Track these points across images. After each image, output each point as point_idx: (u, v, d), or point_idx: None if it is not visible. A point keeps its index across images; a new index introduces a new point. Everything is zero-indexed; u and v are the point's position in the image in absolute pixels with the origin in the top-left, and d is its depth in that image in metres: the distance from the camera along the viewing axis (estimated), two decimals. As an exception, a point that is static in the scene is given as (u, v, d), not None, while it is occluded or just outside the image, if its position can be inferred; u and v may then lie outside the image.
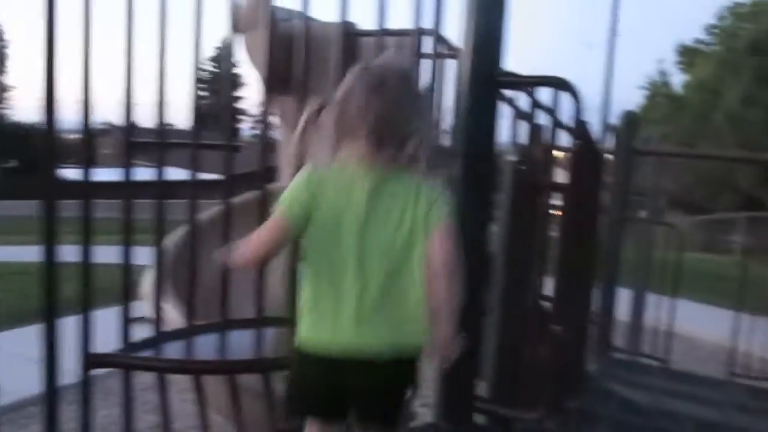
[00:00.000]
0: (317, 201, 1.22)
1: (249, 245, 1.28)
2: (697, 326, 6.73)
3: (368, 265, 1.18)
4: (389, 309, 1.19)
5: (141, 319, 2.02)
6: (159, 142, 1.79)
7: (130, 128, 1.74)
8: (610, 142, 3.70)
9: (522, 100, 3.18)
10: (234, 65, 1.92)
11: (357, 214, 1.19)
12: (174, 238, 2.98)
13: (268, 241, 1.25)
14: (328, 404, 1.28)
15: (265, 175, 2.07)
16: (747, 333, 3.95)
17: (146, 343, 1.88)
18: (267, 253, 1.27)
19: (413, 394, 1.37)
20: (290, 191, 1.26)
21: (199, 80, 2.05)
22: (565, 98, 2.04)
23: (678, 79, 23.86)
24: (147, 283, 2.90)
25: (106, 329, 1.70)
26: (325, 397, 1.27)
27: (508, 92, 2.25)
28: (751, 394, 3.49)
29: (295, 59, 2.16)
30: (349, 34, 2.36)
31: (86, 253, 1.65)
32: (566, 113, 2.14)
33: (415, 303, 1.18)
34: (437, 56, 2.07)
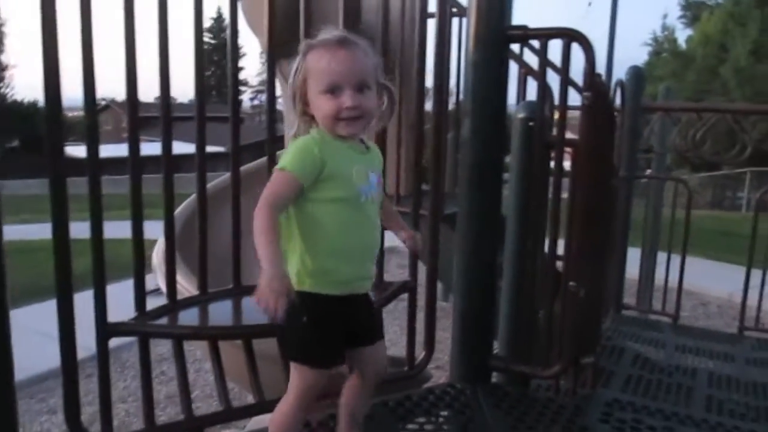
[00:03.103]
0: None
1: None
2: (707, 283, 6.75)
3: None
4: None
5: (154, 291, 2.02)
6: (166, 116, 1.75)
7: (135, 103, 1.70)
8: (616, 100, 3.64)
9: (528, 56, 3.13)
10: (236, 34, 1.87)
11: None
12: (180, 210, 2.97)
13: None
14: None
15: (273, 145, 2.03)
16: (756, 288, 3.94)
17: (161, 311, 1.86)
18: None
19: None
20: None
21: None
22: (576, 53, 2.01)
23: (683, 35, 23.44)
24: (155, 256, 2.90)
25: (119, 303, 1.67)
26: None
27: (516, 48, 2.19)
28: (763, 347, 3.50)
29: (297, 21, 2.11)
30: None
31: (97, 225, 1.62)
32: (576, 69, 2.10)
33: None
34: (444, 15, 2.01)
